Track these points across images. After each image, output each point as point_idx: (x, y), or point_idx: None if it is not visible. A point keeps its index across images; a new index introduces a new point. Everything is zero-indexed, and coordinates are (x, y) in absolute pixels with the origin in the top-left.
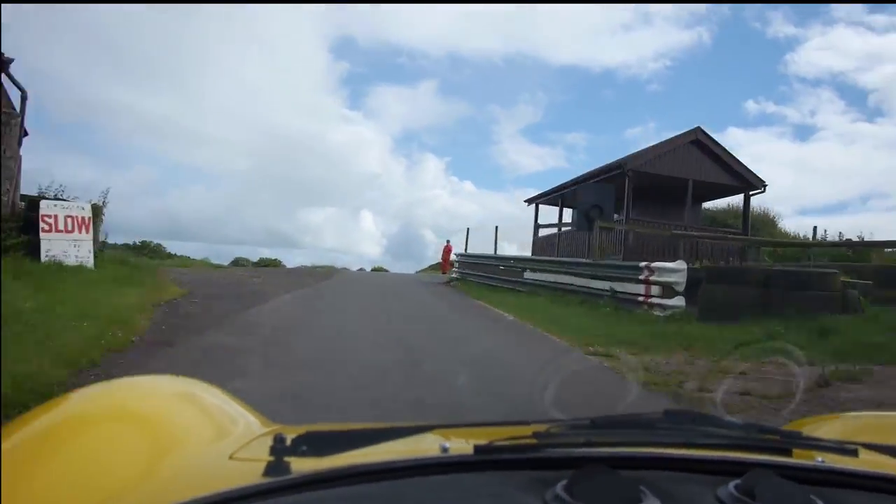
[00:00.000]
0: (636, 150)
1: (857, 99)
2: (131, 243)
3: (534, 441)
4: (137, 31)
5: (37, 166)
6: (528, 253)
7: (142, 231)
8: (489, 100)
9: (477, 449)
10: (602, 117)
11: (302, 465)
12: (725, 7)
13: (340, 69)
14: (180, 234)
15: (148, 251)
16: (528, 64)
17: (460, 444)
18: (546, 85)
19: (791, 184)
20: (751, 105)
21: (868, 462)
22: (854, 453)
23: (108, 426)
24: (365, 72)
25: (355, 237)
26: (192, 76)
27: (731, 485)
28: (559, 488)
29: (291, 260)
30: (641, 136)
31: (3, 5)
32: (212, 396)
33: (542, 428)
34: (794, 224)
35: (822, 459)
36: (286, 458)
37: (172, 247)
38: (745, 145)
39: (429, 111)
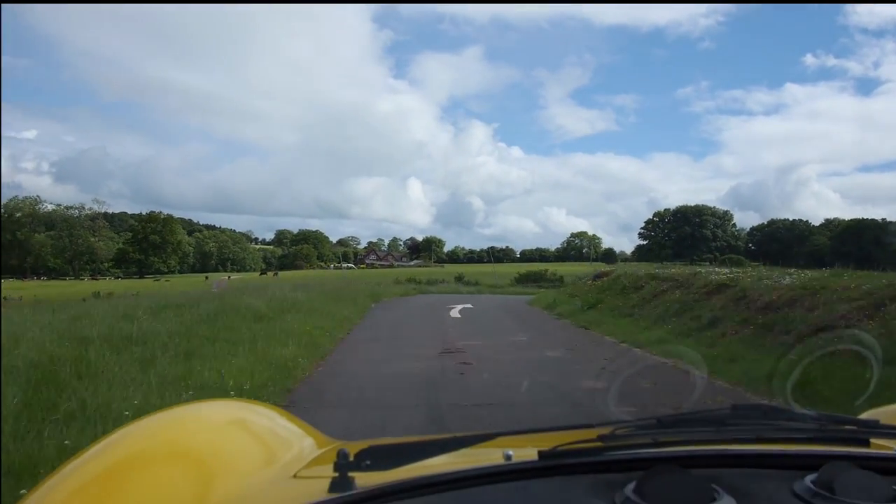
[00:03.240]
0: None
1: None
2: (141, 213)
3: (599, 444)
4: (182, 9)
5: (90, 145)
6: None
7: (194, 204)
8: (536, 64)
9: (541, 454)
10: (652, 77)
11: (367, 480)
12: None
13: (385, 38)
14: (231, 208)
15: (158, 223)
16: (575, 25)
17: (524, 451)
18: (594, 46)
19: (852, 140)
20: (809, 59)
21: None
22: None
23: (160, 461)
24: (409, 40)
25: (404, 206)
26: (239, 53)
27: (808, 479)
28: (629, 490)
29: (341, 231)
30: (693, 94)
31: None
32: (266, 418)
33: (607, 430)
34: (854, 182)
35: None
36: (350, 474)
37: (222, 220)
38: (803, 102)
39: (475, 77)
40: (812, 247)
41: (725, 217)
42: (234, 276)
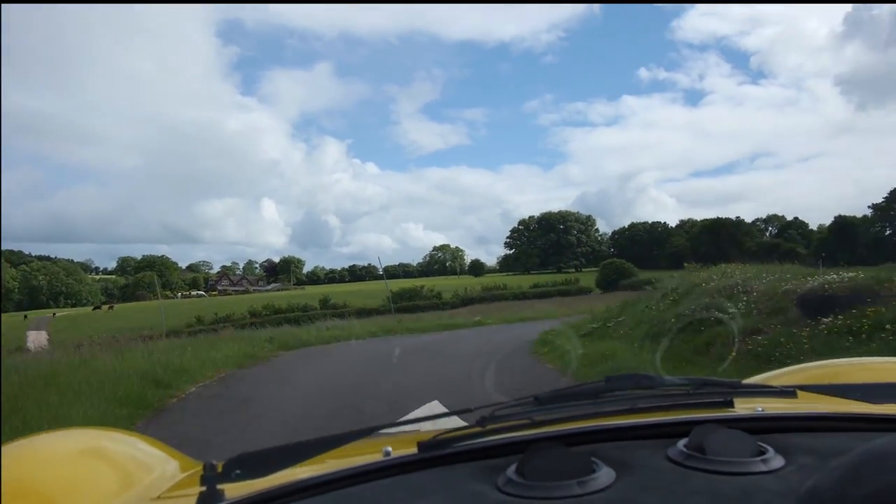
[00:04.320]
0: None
1: (741, 62)
2: None
3: (478, 429)
4: (11, 23)
5: None
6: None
7: (26, 235)
8: (387, 79)
9: (421, 446)
10: (500, 91)
11: (238, 490)
12: None
13: (230, 54)
14: (69, 237)
15: None
16: (423, 41)
17: (405, 444)
18: (442, 61)
19: (684, 147)
20: (643, 72)
21: (806, 404)
22: (793, 395)
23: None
24: (256, 56)
25: (258, 227)
26: (73, 71)
27: (681, 443)
28: (511, 471)
29: (192, 255)
30: (540, 107)
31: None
32: (123, 444)
33: (486, 413)
34: (687, 187)
35: (761, 408)
36: (220, 486)
37: (60, 250)
38: (639, 112)
39: (326, 93)
40: (672, 248)
41: (588, 222)
42: (64, 312)
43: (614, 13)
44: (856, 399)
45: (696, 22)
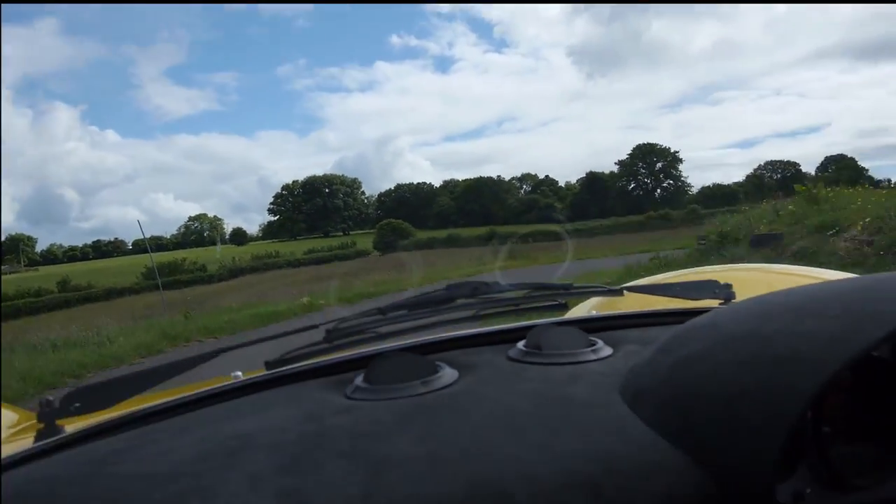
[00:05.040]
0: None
1: (486, 31)
2: None
3: (325, 344)
4: None
5: None
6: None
7: None
8: (125, 39)
9: (268, 364)
10: (252, 56)
11: (79, 424)
12: None
13: None
14: None
15: None
16: None
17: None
18: (187, 22)
19: (437, 113)
20: (395, 39)
21: (633, 302)
22: (620, 293)
23: None
24: None
25: None
26: None
27: (520, 344)
28: (358, 380)
29: None
30: (293, 72)
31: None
32: None
33: (330, 327)
34: (441, 150)
35: (595, 311)
36: (59, 422)
37: None
38: (393, 79)
39: (53, 54)
40: (439, 207)
41: (354, 185)
42: None
43: None
44: (675, 296)
45: None
